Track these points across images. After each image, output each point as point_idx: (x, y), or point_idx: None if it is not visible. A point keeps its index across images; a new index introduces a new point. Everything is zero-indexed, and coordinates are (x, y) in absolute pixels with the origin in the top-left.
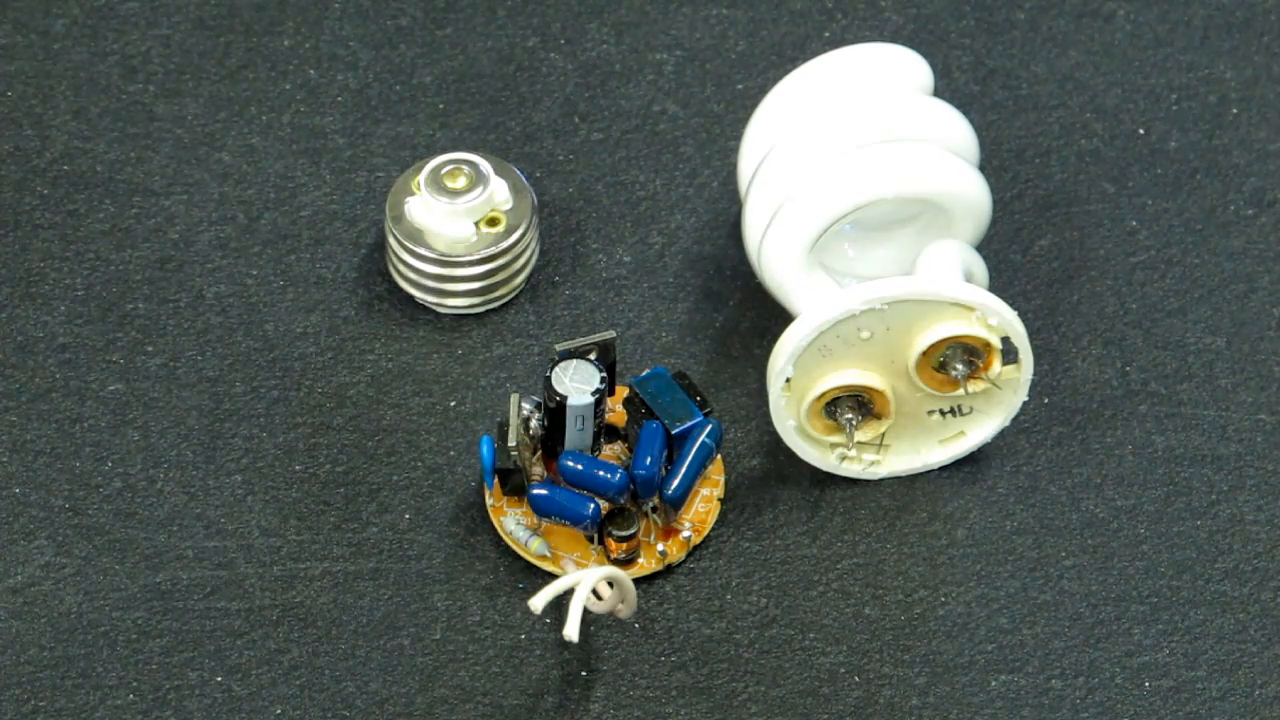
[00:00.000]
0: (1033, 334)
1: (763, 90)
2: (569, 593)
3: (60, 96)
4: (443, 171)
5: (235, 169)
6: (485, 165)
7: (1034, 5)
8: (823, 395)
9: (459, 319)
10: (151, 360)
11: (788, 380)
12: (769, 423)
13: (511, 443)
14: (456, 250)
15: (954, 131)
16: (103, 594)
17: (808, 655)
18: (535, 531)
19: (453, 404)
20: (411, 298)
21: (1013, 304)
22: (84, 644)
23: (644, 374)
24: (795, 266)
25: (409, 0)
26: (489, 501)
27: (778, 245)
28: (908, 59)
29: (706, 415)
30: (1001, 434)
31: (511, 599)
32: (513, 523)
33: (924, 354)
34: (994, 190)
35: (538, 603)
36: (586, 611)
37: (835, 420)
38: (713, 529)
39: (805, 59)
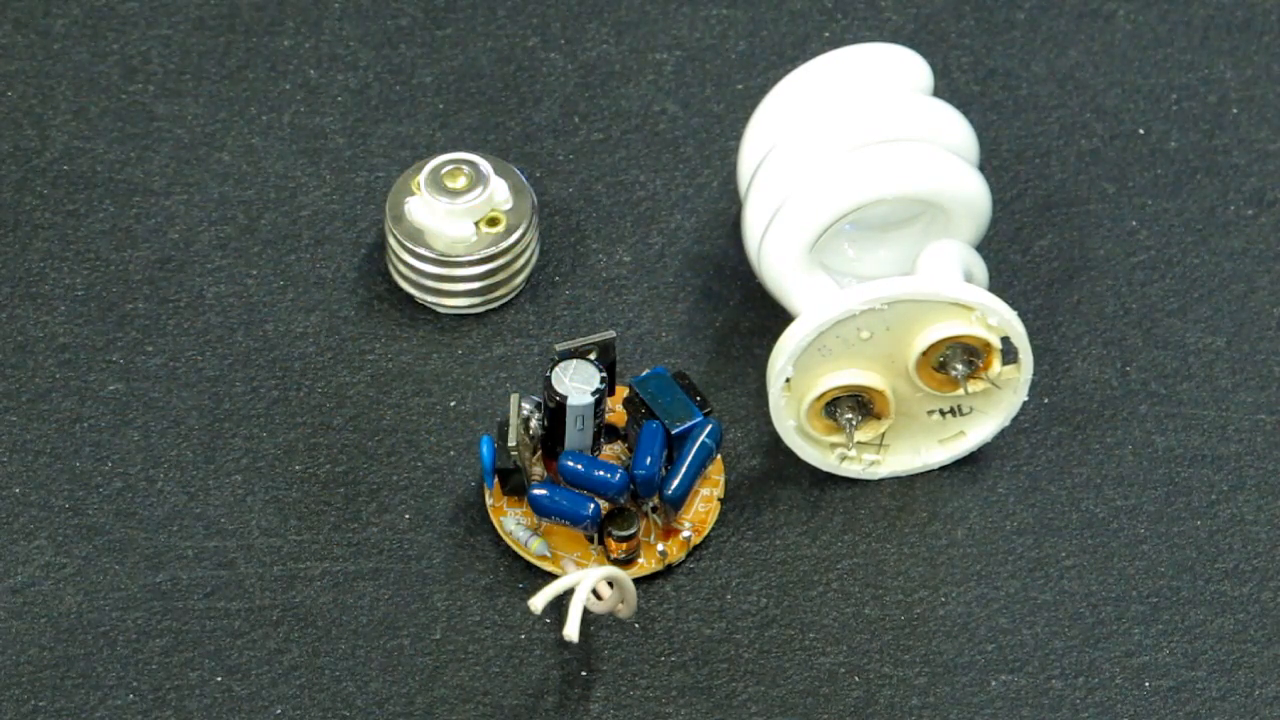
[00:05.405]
0: (1033, 334)
1: (763, 90)
2: (569, 593)
3: (60, 96)
4: (443, 171)
5: (235, 169)
6: (485, 165)
7: (1034, 5)
8: (823, 395)
9: (459, 319)
10: (151, 360)
11: (788, 380)
12: (769, 423)
13: (511, 443)
14: (456, 250)
15: (954, 131)
16: (103, 594)
17: (808, 655)
18: (535, 531)
19: (453, 404)
20: (411, 298)
21: (1013, 304)
22: (84, 644)
23: (644, 374)
24: (795, 266)
25: (409, 0)
26: (489, 501)
27: (778, 245)
28: (908, 59)
29: (706, 415)
30: (1001, 434)
31: (511, 599)
32: (513, 523)
33: (924, 354)
34: (994, 190)
35: (538, 603)
36: (586, 611)
37: (835, 420)
38: (713, 529)
39: (805, 59)
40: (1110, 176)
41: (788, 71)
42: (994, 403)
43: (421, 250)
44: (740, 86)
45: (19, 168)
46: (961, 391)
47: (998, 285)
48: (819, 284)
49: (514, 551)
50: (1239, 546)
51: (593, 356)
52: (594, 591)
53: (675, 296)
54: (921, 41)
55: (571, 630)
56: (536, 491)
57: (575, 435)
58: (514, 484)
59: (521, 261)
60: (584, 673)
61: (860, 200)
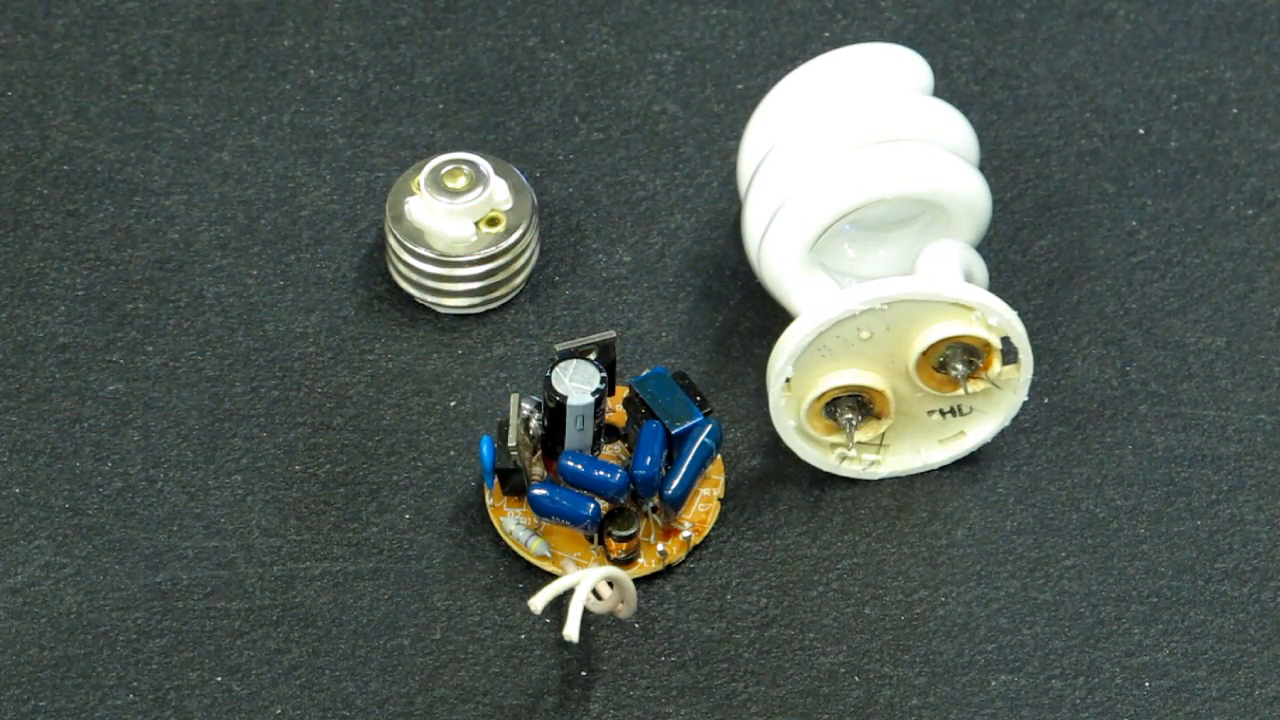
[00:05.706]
0: (1033, 334)
1: (763, 90)
2: (569, 593)
3: (60, 96)
4: (443, 171)
5: (235, 169)
6: (485, 165)
7: (1034, 5)
8: (823, 395)
9: (459, 319)
10: (151, 360)
11: (788, 380)
12: (769, 423)
13: (511, 443)
14: (456, 250)
15: (954, 131)
16: (103, 594)
17: (808, 655)
18: (535, 531)
19: (453, 404)
20: (411, 298)
21: (1013, 304)
22: (84, 644)
23: (644, 374)
24: (795, 266)
25: (409, 0)
26: (489, 501)
27: (778, 245)
28: (908, 59)
29: (706, 415)
30: (1001, 434)
31: (511, 599)
32: (513, 523)
33: (924, 354)
34: (994, 190)
35: (538, 603)
36: (586, 611)
37: (835, 420)
38: (713, 529)
39: (805, 59)
40: (1110, 176)
41: (788, 71)
42: (994, 403)
43: (421, 250)
44: (740, 86)
45: (19, 168)
46: (961, 391)
47: (998, 285)
48: (819, 284)
49: (514, 551)
50: (1239, 546)
51: (593, 356)
52: (594, 591)
53: (675, 296)
54: (921, 41)
55: (571, 630)
56: (536, 491)
57: (575, 435)
58: (514, 484)
59: (521, 261)
60: (584, 673)
61: (860, 200)
